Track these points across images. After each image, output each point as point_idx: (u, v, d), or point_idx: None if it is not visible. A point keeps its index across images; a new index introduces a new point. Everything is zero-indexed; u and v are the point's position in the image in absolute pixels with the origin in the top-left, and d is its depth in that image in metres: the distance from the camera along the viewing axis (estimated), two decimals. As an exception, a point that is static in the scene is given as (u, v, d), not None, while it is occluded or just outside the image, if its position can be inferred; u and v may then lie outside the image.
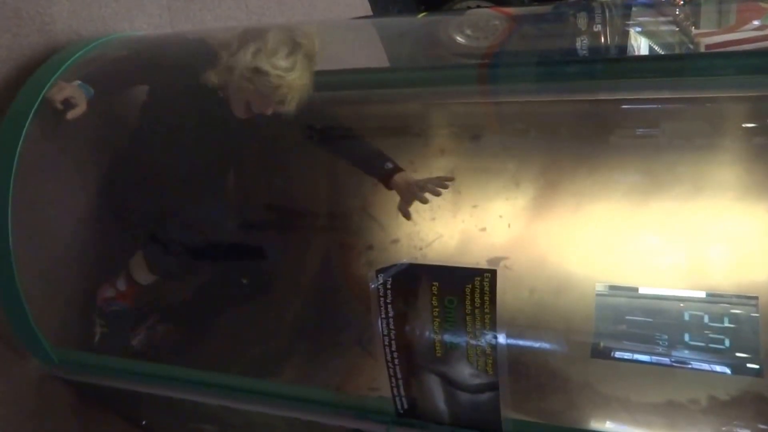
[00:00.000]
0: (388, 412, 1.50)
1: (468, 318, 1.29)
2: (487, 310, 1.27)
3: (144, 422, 2.32)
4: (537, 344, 1.89)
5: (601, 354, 1.78)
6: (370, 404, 1.57)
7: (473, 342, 1.31)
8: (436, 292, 1.30)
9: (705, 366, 1.75)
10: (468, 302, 1.27)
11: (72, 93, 1.98)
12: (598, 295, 1.88)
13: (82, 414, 2.19)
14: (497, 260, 2.01)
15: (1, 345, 1.95)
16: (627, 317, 1.89)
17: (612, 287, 1.91)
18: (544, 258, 2.02)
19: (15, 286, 1.81)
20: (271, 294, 1.96)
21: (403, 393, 1.43)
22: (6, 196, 1.82)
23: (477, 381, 1.35)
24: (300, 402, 1.63)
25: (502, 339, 1.29)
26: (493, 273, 1.25)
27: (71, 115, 2.01)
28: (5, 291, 1.82)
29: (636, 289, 1.91)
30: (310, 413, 1.62)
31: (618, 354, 1.80)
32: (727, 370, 1.70)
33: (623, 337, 1.83)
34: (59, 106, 1.97)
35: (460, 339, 1.31)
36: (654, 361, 1.81)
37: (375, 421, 1.52)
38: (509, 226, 2.07)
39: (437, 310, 1.31)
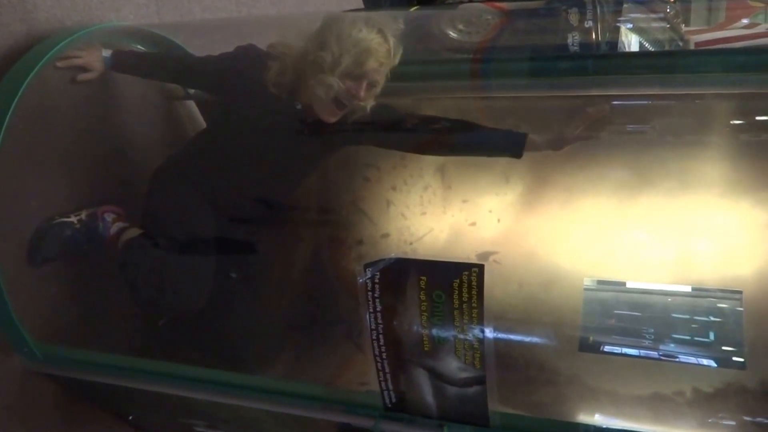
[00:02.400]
0: (376, 406, 1.51)
1: (456, 312, 1.30)
2: (474, 305, 1.28)
3: (131, 417, 2.31)
4: (526, 338, 1.90)
5: (589, 347, 1.80)
6: (359, 399, 1.58)
7: (461, 336, 1.32)
8: (424, 287, 1.31)
9: (690, 359, 1.78)
10: (456, 297, 1.28)
11: (92, 61, 2.04)
12: (586, 289, 1.90)
13: (67, 409, 2.17)
14: (487, 255, 2.03)
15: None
16: (614, 311, 1.91)
17: (600, 282, 1.93)
18: (533, 252, 2.04)
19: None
20: (261, 288, 1.96)
21: (391, 387, 1.44)
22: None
23: (464, 375, 1.36)
24: (289, 397, 1.64)
25: (489, 333, 1.30)
26: (480, 267, 1.26)
27: (81, 77, 2.06)
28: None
29: (623, 284, 1.93)
30: (300, 408, 1.63)
31: (605, 347, 1.82)
32: (712, 363, 1.72)
33: (611, 330, 1.85)
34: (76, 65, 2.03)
35: (447, 333, 1.32)
36: (641, 354, 1.83)
37: (364, 415, 1.53)
38: (499, 220, 2.09)
39: (425, 304, 1.32)
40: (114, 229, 2.02)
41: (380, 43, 1.82)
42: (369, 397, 1.52)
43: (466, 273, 1.28)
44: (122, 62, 2.11)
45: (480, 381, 1.35)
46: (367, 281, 1.33)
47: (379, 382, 1.44)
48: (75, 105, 2.11)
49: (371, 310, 1.36)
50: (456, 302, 1.29)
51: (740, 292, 1.73)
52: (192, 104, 2.55)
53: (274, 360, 2.10)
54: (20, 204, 1.99)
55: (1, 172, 1.87)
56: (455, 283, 1.28)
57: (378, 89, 1.90)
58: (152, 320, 2.12)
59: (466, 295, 1.28)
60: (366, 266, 1.33)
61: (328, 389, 1.75)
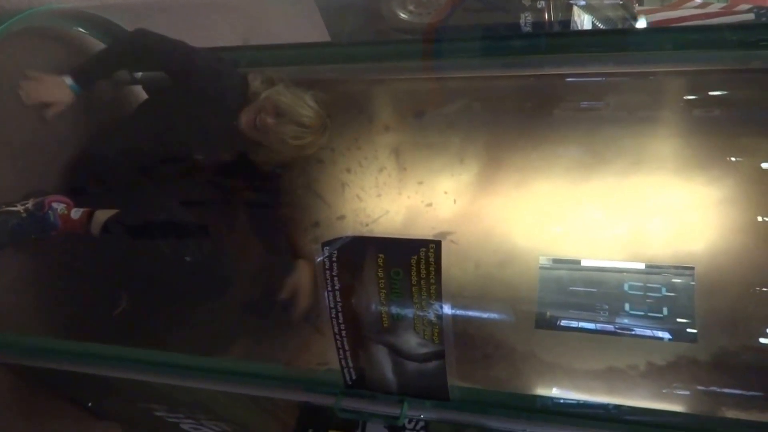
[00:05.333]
0: (337, 383, 1.49)
1: (414, 289, 1.29)
2: (432, 281, 1.27)
3: (90, 404, 2.26)
4: (483, 316, 1.92)
5: (545, 324, 1.82)
6: (319, 377, 1.57)
7: (419, 312, 1.31)
8: (381, 264, 1.29)
9: (645, 333, 1.81)
10: (414, 273, 1.27)
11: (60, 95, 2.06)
12: (541, 267, 1.92)
13: (24, 399, 2.11)
14: (443, 235, 2.03)
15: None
16: (570, 288, 1.93)
17: (555, 260, 1.95)
18: (489, 232, 2.04)
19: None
20: (216, 272, 1.92)
21: (351, 364, 1.42)
22: None
23: (424, 350, 1.35)
24: (249, 377, 1.61)
25: (447, 309, 1.30)
26: (437, 244, 1.25)
27: (50, 113, 2.07)
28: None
29: (578, 262, 1.96)
30: (259, 389, 1.60)
31: (561, 323, 1.84)
32: (666, 336, 1.75)
33: (566, 307, 1.87)
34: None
35: (406, 310, 1.31)
36: (596, 329, 1.86)
37: (324, 393, 1.51)
38: (455, 201, 2.09)
39: (383, 281, 1.30)
40: (75, 214, 2.00)
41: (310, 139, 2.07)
42: (329, 375, 1.50)
43: (424, 249, 1.26)
44: (86, 77, 2.10)
45: (439, 356, 1.34)
46: (325, 260, 1.31)
47: (339, 360, 1.42)
48: (15, 93, 2.05)
49: (329, 289, 1.34)
50: (414, 279, 1.28)
51: (692, 268, 1.77)
52: (138, 89, 2.48)
53: (232, 343, 2.07)
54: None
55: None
56: (413, 259, 1.27)
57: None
58: (106, 308, 2.08)
59: (424, 272, 1.27)
60: (324, 245, 1.31)
61: (288, 369, 1.73)
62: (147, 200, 1.94)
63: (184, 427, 2.06)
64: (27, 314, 2.04)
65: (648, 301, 1.86)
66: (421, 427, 1.64)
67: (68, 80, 2.08)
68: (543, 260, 1.92)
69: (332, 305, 1.35)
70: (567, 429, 1.51)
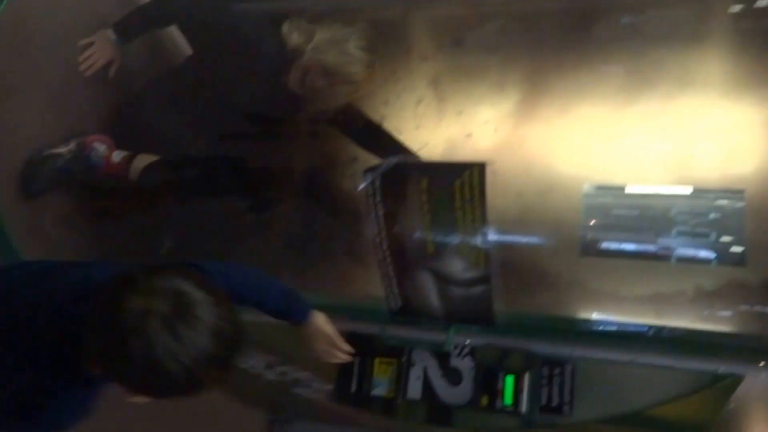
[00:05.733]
0: (382, 312, 1.51)
1: (458, 213, 1.28)
2: (477, 204, 1.26)
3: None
4: (527, 245, 1.90)
5: (590, 252, 1.80)
6: (364, 306, 1.59)
7: (464, 237, 1.30)
8: (425, 189, 1.28)
9: (693, 257, 1.79)
10: (458, 197, 1.26)
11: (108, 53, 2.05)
12: (585, 195, 1.89)
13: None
14: (484, 166, 2.00)
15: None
16: (615, 216, 1.90)
17: (599, 187, 1.92)
18: (531, 161, 2.01)
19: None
20: (259, 207, 1.94)
21: (396, 292, 1.43)
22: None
23: (469, 275, 1.36)
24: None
25: (492, 234, 1.29)
26: (482, 166, 1.24)
27: (111, 73, 2.08)
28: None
29: (623, 188, 1.92)
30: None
31: (606, 250, 1.82)
32: (714, 261, 1.72)
33: (611, 234, 1.85)
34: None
35: (451, 234, 1.31)
36: (642, 254, 1.84)
37: (370, 321, 1.53)
38: (495, 130, 2.05)
39: (427, 206, 1.30)
40: (116, 158, 2.03)
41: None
42: (374, 304, 1.52)
43: (468, 172, 1.25)
44: (128, 31, 2.09)
45: (485, 280, 1.34)
46: (368, 186, 1.31)
47: (384, 287, 1.43)
48: (54, 33, 2.05)
49: (374, 216, 1.33)
50: (458, 202, 1.27)
51: (742, 191, 1.73)
52: (174, 30, 2.46)
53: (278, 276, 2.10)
54: (8, 137, 1.97)
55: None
56: (457, 183, 1.26)
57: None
58: (155, 246, 2.12)
59: (468, 195, 1.26)
60: (366, 171, 1.31)
61: (333, 298, 1.75)
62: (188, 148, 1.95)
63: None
64: (77, 252, 2.09)
65: (696, 225, 1.83)
66: (467, 353, 1.65)
67: (111, 34, 2.07)
68: (587, 188, 1.89)
69: (376, 232, 1.35)
70: (612, 351, 1.52)
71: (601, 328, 1.50)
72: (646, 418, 1.63)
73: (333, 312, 1.62)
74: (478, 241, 1.30)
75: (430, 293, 1.42)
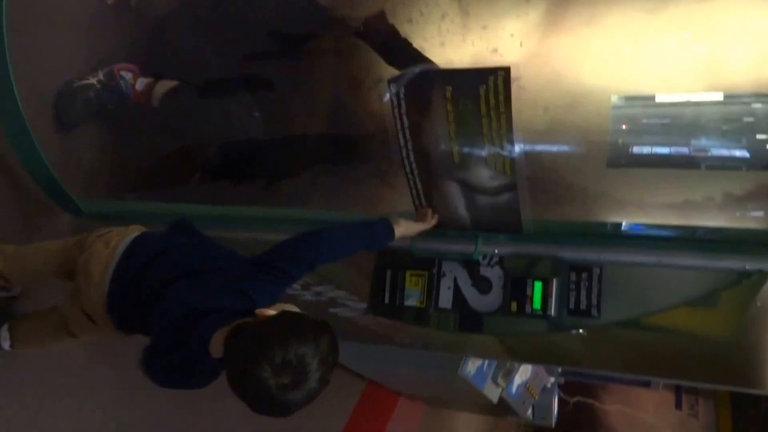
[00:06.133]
0: (411, 226, 1.53)
1: (484, 120, 1.29)
2: (502, 110, 1.26)
3: None
4: (554, 159, 1.90)
5: (617, 162, 1.79)
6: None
7: (490, 144, 1.31)
8: (449, 96, 1.28)
9: (722, 163, 1.77)
10: (483, 103, 1.26)
11: None
12: (613, 107, 1.87)
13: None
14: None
15: (31, 206, 2.00)
16: (643, 125, 1.89)
17: (628, 98, 1.89)
18: (558, 74, 1.98)
19: (34, 148, 1.81)
20: (284, 127, 1.95)
21: (424, 204, 1.45)
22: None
23: (496, 183, 1.37)
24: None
25: (518, 139, 1.29)
26: (506, 70, 1.23)
27: None
28: (27, 155, 1.83)
29: (652, 98, 1.89)
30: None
31: (634, 160, 1.81)
32: (744, 165, 1.71)
33: (639, 144, 1.84)
34: None
35: (476, 142, 1.32)
36: (671, 163, 1.82)
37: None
38: (521, 44, 2.02)
39: (452, 114, 1.30)
40: (139, 85, 2.06)
41: None
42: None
43: (492, 77, 1.25)
44: None
45: (511, 187, 1.35)
46: (393, 97, 1.31)
47: (413, 200, 1.46)
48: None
49: (399, 128, 1.34)
50: (483, 109, 1.27)
51: (773, 94, 1.70)
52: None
53: (309, 197, 2.13)
54: (38, 68, 1.99)
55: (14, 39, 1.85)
56: (482, 89, 1.26)
57: None
58: (186, 171, 2.16)
59: (494, 101, 1.26)
60: (390, 81, 1.31)
61: (362, 214, 1.78)
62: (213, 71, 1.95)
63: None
64: (115, 181, 2.14)
65: (727, 131, 1.81)
66: (496, 262, 1.67)
67: None
68: (615, 99, 1.87)
69: (403, 144, 1.36)
70: (639, 255, 1.53)
71: (628, 231, 1.51)
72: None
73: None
74: (503, 147, 1.30)
75: (458, 203, 1.43)
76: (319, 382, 1.18)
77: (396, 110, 1.33)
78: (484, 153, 1.33)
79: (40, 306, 1.76)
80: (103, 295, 1.37)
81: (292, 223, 1.68)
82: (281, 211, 1.75)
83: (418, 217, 1.52)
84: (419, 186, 1.42)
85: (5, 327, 1.69)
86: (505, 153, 1.32)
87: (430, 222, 1.53)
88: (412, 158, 1.38)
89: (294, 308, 1.32)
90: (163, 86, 2.00)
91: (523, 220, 1.41)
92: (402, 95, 1.31)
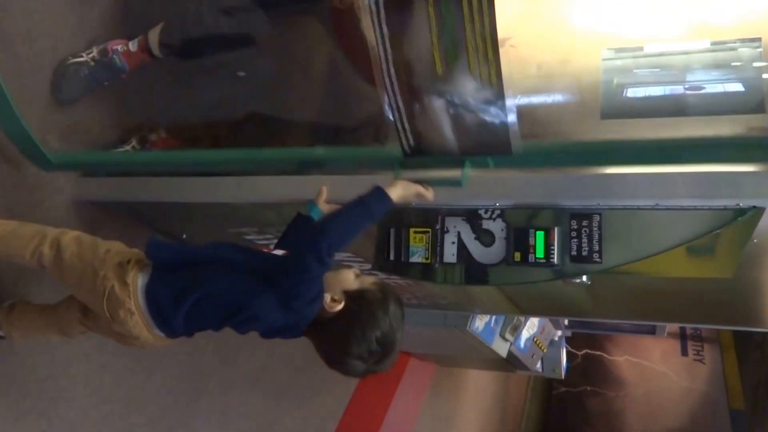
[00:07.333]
0: (397, 156, 1.48)
1: (467, 25, 1.24)
2: (485, 11, 1.22)
3: (184, 236, 2.36)
4: (548, 112, 1.86)
5: (611, 114, 1.77)
6: (378, 153, 1.57)
7: (474, 50, 1.26)
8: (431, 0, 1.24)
9: (712, 109, 1.77)
10: (465, 4, 1.22)
11: None
12: (604, 59, 1.85)
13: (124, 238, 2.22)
14: (501, 42, 1.96)
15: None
16: (635, 75, 1.87)
17: (618, 50, 1.87)
18: (548, 31, 1.97)
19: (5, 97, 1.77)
20: (272, 79, 1.91)
21: (407, 127, 1.39)
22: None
23: (482, 95, 1.31)
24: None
25: (502, 41, 1.24)
26: (489, -35, 1.19)
27: None
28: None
29: (641, 49, 1.88)
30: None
31: (627, 111, 1.79)
32: (733, 109, 1.70)
33: (631, 94, 1.82)
34: None
35: (460, 48, 1.27)
36: (663, 111, 1.80)
37: (385, 168, 1.52)
38: (510, 2, 2.00)
39: (434, 20, 1.25)
40: (132, 47, 2.06)
41: None
42: (387, 150, 1.50)
43: (474, -23, 1.21)
44: None
45: (499, 97, 1.30)
46: (372, 4, 1.26)
47: (395, 123, 1.40)
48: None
49: (379, 38, 1.29)
50: (466, 10, 1.23)
51: (759, 39, 1.69)
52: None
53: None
54: (32, 44, 2.00)
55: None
56: (464, -10, 1.22)
57: None
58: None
59: (476, 2, 1.22)
60: (368, -15, 1.26)
61: (349, 149, 1.74)
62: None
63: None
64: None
65: (715, 75, 1.80)
66: (498, 215, 1.73)
67: None
68: (605, 52, 1.85)
69: (383, 56, 1.31)
70: (638, 198, 1.61)
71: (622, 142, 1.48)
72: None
73: (349, 164, 1.62)
74: (488, 52, 1.26)
75: (444, 124, 1.38)
76: (401, 335, 1.44)
77: (376, 18, 1.27)
78: (467, 60, 1.28)
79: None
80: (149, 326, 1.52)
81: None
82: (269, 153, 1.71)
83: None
84: (401, 105, 1.36)
85: None
86: (490, 59, 1.27)
87: (429, 191, 1.54)
88: (392, 72, 1.32)
89: (348, 277, 1.48)
90: (154, 33, 1.99)
91: (512, 138, 1.36)
92: (381, 1, 1.26)
